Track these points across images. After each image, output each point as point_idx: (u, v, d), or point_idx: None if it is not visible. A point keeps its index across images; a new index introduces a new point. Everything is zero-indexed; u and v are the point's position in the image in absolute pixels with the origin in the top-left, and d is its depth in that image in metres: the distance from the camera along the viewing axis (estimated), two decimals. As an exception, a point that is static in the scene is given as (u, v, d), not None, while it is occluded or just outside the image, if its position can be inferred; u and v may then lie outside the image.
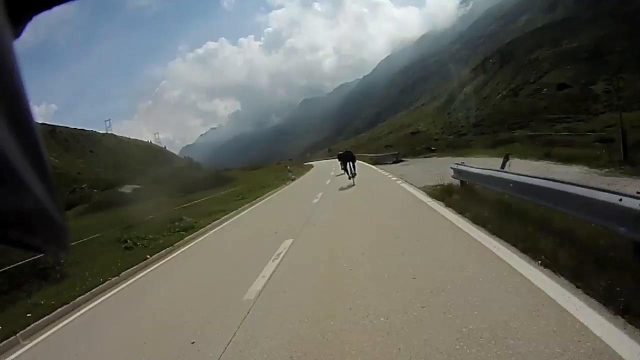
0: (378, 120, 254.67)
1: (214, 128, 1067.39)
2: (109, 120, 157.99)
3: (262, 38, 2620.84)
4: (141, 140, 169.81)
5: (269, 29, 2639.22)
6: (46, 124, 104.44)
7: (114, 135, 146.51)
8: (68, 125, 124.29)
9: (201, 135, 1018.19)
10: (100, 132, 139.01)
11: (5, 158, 0.37)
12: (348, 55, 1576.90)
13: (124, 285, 10.32)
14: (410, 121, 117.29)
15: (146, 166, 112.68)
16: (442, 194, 13.28)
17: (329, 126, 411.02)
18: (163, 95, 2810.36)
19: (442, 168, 18.54)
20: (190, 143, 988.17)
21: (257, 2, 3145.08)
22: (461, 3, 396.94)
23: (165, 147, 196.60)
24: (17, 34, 0.46)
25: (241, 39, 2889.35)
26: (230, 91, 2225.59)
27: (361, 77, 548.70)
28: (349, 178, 23.60)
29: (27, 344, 7.31)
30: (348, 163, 24.15)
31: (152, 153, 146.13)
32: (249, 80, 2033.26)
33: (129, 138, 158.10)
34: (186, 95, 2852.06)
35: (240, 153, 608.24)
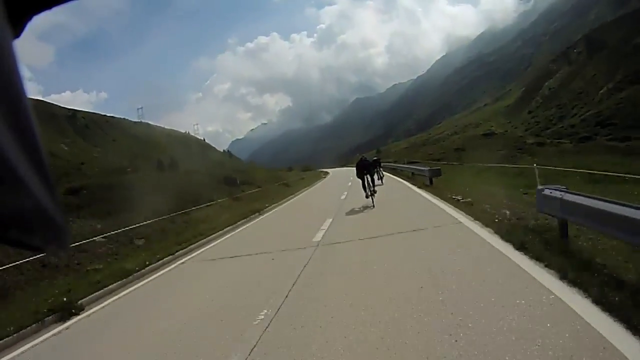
0: (432, 121, 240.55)
1: (264, 123, 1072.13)
2: (141, 108, 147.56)
3: (315, 35, 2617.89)
4: (177, 131, 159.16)
5: (322, 25, 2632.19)
6: (66, 108, 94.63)
7: (148, 123, 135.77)
8: (96, 112, 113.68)
9: (251, 129, 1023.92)
10: (132, 120, 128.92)
11: (5, 158, 0.37)
12: (400, 53, 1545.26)
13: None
14: (476, 121, 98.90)
15: (179, 157, 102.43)
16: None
17: (379, 126, 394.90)
18: (213, 88, 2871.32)
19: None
20: (240, 137, 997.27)
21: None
22: (521, 0, 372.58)
23: (203, 139, 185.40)
24: (17, 34, 0.45)
25: (293, 35, 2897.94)
26: (281, 86, 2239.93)
27: (415, 76, 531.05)
28: (367, 196, 15.91)
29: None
30: (366, 176, 16.31)
31: (186, 144, 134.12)
32: (300, 75, 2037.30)
33: (163, 127, 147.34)
34: (236, 88, 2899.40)
35: (289, 149, 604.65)
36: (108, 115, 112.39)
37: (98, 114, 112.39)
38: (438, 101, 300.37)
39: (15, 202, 0.38)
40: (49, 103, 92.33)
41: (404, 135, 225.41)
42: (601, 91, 58.26)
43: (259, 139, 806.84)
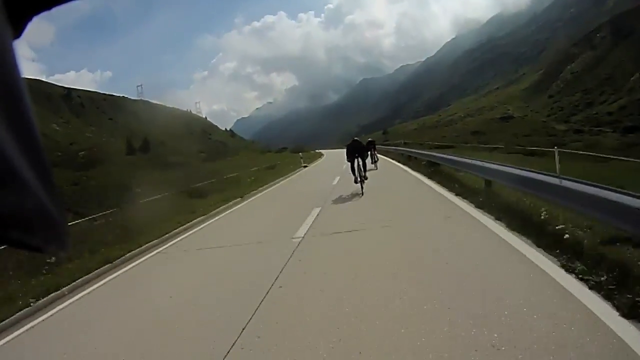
0: (441, 103, 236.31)
1: (270, 102, 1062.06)
2: (141, 85, 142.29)
3: (323, 14, 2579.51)
4: (178, 109, 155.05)
5: (330, 5, 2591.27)
6: (61, 86, 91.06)
7: (149, 102, 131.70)
8: (94, 90, 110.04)
9: (257, 108, 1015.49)
10: (132, 98, 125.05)
11: (5, 158, 0.36)
12: (409, 35, 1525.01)
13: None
14: (490, 104, 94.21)
15: (173, 136, 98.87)
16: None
17: (386, 107, 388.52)
18: (219, 67, 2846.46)
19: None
20: (246, 116, 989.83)
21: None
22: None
23: (205, 118, 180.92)
24: (17, 34, 0.44)
25: (301, 14, 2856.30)
26: (287, 65, 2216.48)
27: (423, 58, 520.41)
28: (355, 181, 13.67)
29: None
30: (357, 159, 13.96)
31: (187, 123, 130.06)
32: (307, 54, 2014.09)
33: (165, 105, 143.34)
34: (242, 67, 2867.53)
35: (294, 128, 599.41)
36: (107, 93, 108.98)
37: (95, 92, 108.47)
38: (447, 83, 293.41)
39: (15, 202, 0.37)
40: (45, 82, 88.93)
41: (412, 117, 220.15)
42: (632, 78, 53.68)
43: (264, 118, 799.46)
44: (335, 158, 38.39)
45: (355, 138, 15.30)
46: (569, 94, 64.30)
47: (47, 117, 61.47)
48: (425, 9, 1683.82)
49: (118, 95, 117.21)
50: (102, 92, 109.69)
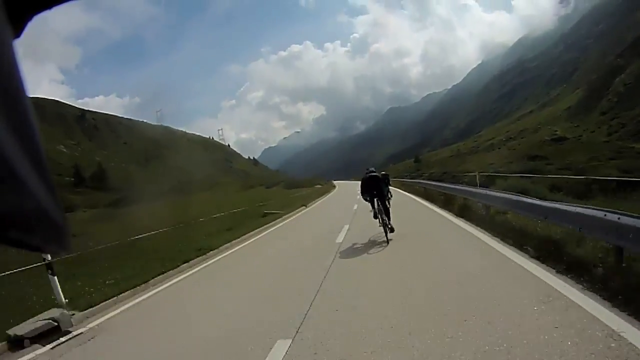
0: (471, 130, 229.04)
1: (298, 132, 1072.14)
2: (160, 110, 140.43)
3: (349, 44, 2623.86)
4: (199, 136, 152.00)
5: (355, 34, 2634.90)
6: (77, 107, 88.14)
7: (169, 127, 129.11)
8: (112, 113, 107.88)
9: (284, 138, 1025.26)
10: (152, 123, 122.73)
11: (5, 158, 0.36)
12: (435, 62, 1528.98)
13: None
14: (531, 126, 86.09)
15: (191, 163, 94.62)
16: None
17: (414, 136, 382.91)
18: (246, 96, 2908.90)
19: None
20: (273, 145, 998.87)
21: (341, 5, 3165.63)
22: (560, 3, 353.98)
23: (228, 145, 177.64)
24: (17, 34, 0.44)
25: (327, 44, 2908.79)
26: (314, 95, 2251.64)
27: (450, 86, 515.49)
28: (380, 225, 10.17)
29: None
30: (375, 200, 10.36)
31: (207, 149, 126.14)
32: (333, 84, 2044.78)
33: (185, 132, 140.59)
34: (269, 97, 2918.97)
35: (322, 158, 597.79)
36: (123, 117, 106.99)
37: (112, 115, 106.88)
38: (476, 109, 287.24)
39: (15, 202, 0.37)
40: (60, 102, 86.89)
41: (441, 145, 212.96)
42: None
43: (291, 148, 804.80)
44: (351, 191, 33.47)
45: (371, 170, 10.97)
46: (628, 108, 56.26)
47: (56, 138, 57.69)
48: (451, 34, 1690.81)
49: (136, 119, 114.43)
50: (120, 115, 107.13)
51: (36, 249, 0.42)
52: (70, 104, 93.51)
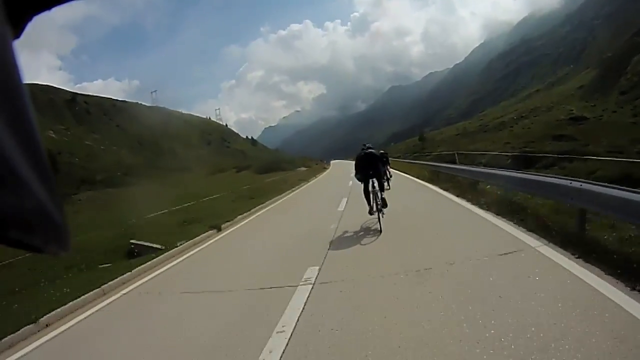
0: (475, 109, 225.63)
1: (298, 111, 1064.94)
2: (155, 91, 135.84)
3: (349, 23, 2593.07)
4: (195, 116, 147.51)
5: (356, 13, 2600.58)
6: (69, 91, 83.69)
7: (165, 108, 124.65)
8: (106, 96, 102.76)
9: (284, 117, 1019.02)
10: (147, 104, 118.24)
11: (5, 158, 0.35)
12: (437, 41, 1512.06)
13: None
14: (544, 104, 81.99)
15: (186, 145, 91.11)
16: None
17: (416, 115, 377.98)
18: (246, 76, 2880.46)
19: None
20: (273, 124, 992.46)
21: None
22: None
23: (226, 125, 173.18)
24: (17, 34, 0.43)
25: (327, 23, 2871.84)
26: (315, 74, 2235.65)
27: (452, 65, 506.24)
28: (371, 211, 9.11)
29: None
30: (371, 180, 9.16)
31: (204, 130, 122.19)
32: (334, 63, 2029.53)
33: (181, 112, 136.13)
34: (269, 76, 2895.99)
35: (323, 137, 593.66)
36: (116, 99, 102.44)
37: (104, 97, 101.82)
38: (480, 88, 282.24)
39: (15, 202, 0.37)
40: (50, 87, 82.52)
41: (444, 124, 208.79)
42: None
43: (292, 127, 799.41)
44: (345, 176, 29.38)
45: (368, 146, 9.76)
46: (652, 88, 52.53)
47: (45, 124, 53.89)
48: (452, 13, 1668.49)
49: (130, 101, 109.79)
50: (114, 98, 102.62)
51: (36, 249, 0.42)
52: (62, 87, 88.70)
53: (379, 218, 8.59)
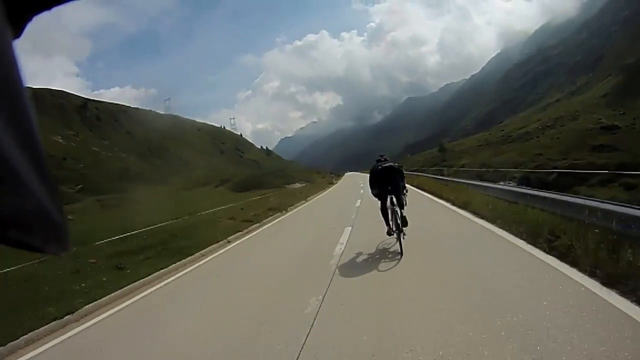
0: (492, 119, 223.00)
1: (314, 122, 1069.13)
2: (169, 99, 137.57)
3: (365, 33, 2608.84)
4: (209, 124, 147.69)
5: (372, 24, 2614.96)
6: (80, 96, 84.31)
7: (178, 116, 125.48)
8: (119, 102, 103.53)
9: (300, 128, 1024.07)
10: (160, 112, 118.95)
11: (5, 158, 0.35)
12: (452, 51, 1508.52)
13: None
14: (569, 113, 79.65)
15: (198, 153, 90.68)
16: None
17: (433, 126, 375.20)
18: (262, 86, 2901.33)
19: None
20: (290, 135, 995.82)
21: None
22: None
23: (240, 134, 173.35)
24: (17, 34, 0.43)
25: (343, 33, 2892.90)
26: (331, 84, 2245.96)
27: (468, 75, 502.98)
28: (390, 232, 8.50)
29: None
30: (390, 197, 8.51)
31: (217, 139, 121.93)
32: (350, 73, 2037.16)
33: (195, 120, 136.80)
34: (285, 86, 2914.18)
35: (339, 148, 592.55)
36: (128, 105, 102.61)
37: (116, 104, 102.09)
38: (496, 98, 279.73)
39: (15, 202, 0.37)
40: (60, 92, 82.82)
41: (462, 135, 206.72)
42: None
43: (308, 138, 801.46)
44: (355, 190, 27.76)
45: (384, 157, 9.09)
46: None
47: (54, 129, 53.60)
48: (468, 23, 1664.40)
49: (143, 108, 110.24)
50: (127, 105, 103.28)
51: (36, 249, 0.42)
52: (77, 94, 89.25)
53: (399, 238, 7.94)
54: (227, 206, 24.88)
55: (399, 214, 8.11)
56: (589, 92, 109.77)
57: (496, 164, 35.87)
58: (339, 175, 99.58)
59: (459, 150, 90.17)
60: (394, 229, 8.18)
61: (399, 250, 7.67)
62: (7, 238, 0.37)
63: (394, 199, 8.33)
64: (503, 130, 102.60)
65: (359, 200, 20.02)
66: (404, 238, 7.93)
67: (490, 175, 27.48)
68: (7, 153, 0.36)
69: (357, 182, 38.90)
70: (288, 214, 20.03)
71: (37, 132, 0.43)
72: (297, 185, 49.84)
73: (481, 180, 22.48)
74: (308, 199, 28.22)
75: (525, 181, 26.72)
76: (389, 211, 8.36)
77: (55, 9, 0.47)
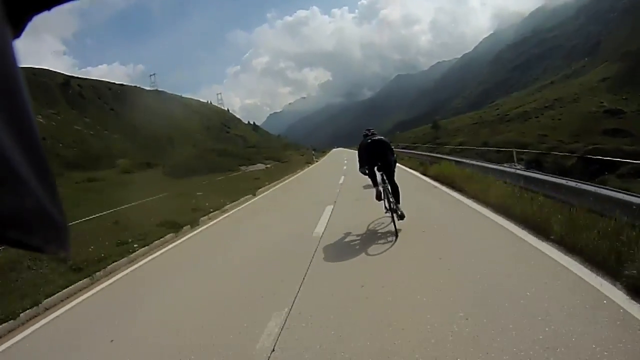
0: (484, 99, 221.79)
1: (304, 97, 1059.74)
2: (154, 74, 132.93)
3: (356, 10, 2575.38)
4: (195, 100, 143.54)
5: (363, 1, 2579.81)
6: (63, 74, 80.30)
7: (164, 92, 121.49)
8: (103, 79, 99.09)
9: (289, 103, 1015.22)
10: (145, 88, 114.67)
11: (5, 158, 0.35)
12: (445, 31, 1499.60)
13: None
14: (568, 95, 77.50)
15: (183, 130, 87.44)
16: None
17: (424, 104, 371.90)
18: (251, 62, 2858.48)
19: None
20: (278, 111, 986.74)
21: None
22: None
23: (227, 110, 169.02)
24: (17, 34, 0.43)
25: (334, 10, 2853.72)
26: (320, 60, 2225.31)
27: (460, 55, 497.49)
28: (387, 211, 7.81)
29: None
30: (379, 173, 7.92)
31: (203, 115, 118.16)
32: (340, 50, 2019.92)
33: (180, 96, 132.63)
34: (274, 62, 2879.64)
35: (328, 124, 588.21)
36: (112, 82, 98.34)
37: (101, 80, 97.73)
38: (489, 79, 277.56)
39: (15, 202, 0.36)
40: (44, 70, 78.71)
41: (453, 113, 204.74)
42: None
43: (297, 113, 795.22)
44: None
45: (372, 131, 8.16)
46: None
47: (35, 109, 49.36)
48: (462, 3, 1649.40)
49: (128, 84, 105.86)
50: (110, 81, 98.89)
51: (36, 249, 0.41)
52: (59, 71, 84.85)
53: (392, 219, 7.29)
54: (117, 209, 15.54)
55: (390, 191, 7.51)
56: (586, 76, 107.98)
57: (501, 143, 33.56)
58: (323, 152, 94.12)
59: (452, 128, 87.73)
60: (386, 205, 7.68)
61: (395, 234, 7.01)
62: (7, 238, 0.36)
63: (384, 176, 7.64)
64: (498, 109, 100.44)
65: (330, 207, 11.51)
66: (399, 217, 7.23)
67: (493, 155, 24.84)
68: (7, 153, 0.35)
69: (343, 159, 34.87)
70: (192, 233, 11.36)
71: (37, 132, 0.43)
72: (260, 167, 40.08)
73: (485, 161, 19.77)
74: (259, 191, 19.83)
75: (534, 164, 23.86)
76: (382, 190, 7.70)
77: (55, 9, 0.47)
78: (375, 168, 7.81)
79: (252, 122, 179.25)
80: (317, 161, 47.08)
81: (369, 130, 8.24)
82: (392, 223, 7.18)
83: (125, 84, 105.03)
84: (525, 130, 47.35)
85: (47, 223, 0.42)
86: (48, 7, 0.46)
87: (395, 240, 6.73)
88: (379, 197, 7.83)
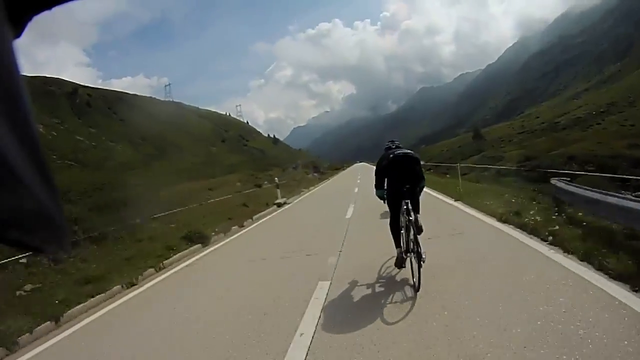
0: (513, 110, 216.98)
1: (327, 111, 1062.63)
2: (169, 85, 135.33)
3: (378, 23, 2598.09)
4: (212, 111, 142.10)
5: (386, 13, 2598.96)
6: (71, 82, 79.94)
7: (181, 103, 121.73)
8: (115, 89, 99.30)
9: (313, 117, 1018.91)
10: (160, 99, 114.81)
11: (5, 158, 0.35)
12: (468, 41, 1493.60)
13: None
14: (613, 100, 72.80)
15: (196, 141, 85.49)
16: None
17: (448, 116, 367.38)
18: (274, 75, 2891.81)
19: None
20: (302, 124, 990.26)
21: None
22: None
23: (247, 122, 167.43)
24: (17, 34, 0.43)
25: (356, 22, 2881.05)
26: (344, 73, 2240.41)
27: (484, 65, 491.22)
28: (399, 264, 5.28)
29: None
30: (404, 201, 5.04)
31: (219, 126, 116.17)
32: (364, 62, 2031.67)
33: (197, 108, 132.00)
34: (298, 75, 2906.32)
35: (352, 137, 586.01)
36: (122, 91, 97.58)
37: (111, 90, 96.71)
38: (517, 88, 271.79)
39: (15, 202, 0.36)
40: (50, 78, 78.21)
41: (481, 125, 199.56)
42: None
43: (321, 127, 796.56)
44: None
45: (397, 144, 5.75)
46: None
47: (37, 117, 48.35)
48: (485, 11, 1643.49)
49: (142, 95, 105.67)
50: (125, 91, 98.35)
51: (36, 249, 0.41)
52: (64, 79, 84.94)
53: (411, 264, 4.87)
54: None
55: (416, 227, 4.85)
56: (625, 80, 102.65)
57: (582, 156, 29.64)
58: (337, 169, 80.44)
59: (495, 138, 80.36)
60: (402, 251, 5.23)
61: (415, 292, 4.61)
62: (7, 238, 0.36)
63: (409, 205, 5.08)
64: (538, 117, 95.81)
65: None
66: (423, 263, 4.58)
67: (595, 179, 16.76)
68: (7, 153, 0.35)
69: (359, 178, 29.05)
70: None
71: (37, 132, 0.43)
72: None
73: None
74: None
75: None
76: (403, 226, 5.24)
77: (55, 9, 0.47)
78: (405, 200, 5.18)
79: (272, 135, 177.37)
80: (314, 187, 30.05)
81: (392, 142, 5.89)
82: (417, 279, 4.64)
83: (138, 94, 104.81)
84: (600, 138, 42.31)
85: (47, 223, 0.42)
86: (48, 7, 0.45)
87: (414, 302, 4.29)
88: (399, 264, 5.31)
